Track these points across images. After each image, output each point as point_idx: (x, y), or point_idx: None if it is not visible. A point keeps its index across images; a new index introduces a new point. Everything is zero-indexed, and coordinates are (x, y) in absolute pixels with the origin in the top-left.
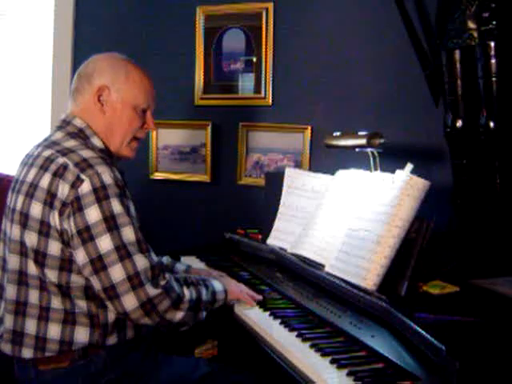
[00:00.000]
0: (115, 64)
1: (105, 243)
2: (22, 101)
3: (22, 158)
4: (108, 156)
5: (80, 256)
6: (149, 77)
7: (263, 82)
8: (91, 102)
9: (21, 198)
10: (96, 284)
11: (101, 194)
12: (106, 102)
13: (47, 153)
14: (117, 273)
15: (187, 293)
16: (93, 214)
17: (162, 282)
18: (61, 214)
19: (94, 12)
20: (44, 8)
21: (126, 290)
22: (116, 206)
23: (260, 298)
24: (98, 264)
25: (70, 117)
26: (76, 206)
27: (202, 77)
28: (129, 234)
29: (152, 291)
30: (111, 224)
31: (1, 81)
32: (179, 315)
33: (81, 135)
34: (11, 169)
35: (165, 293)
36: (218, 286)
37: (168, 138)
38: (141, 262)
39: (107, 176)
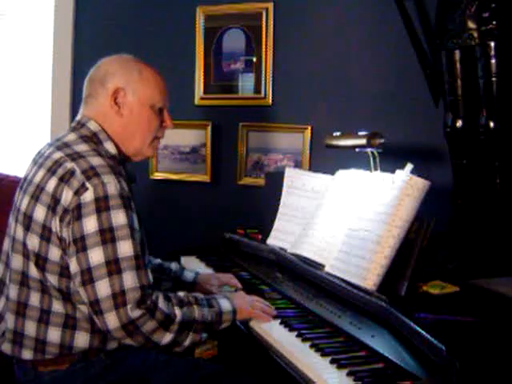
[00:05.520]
0: (127, 65)
1: (96, 256)
2: (22, 101)
3: (34, 155)
4: (119, 162)
5: (72, 265)
6: (161, 75)
7: (263, 82)
8: (107, 106)
9: (26, 199)
10: (83, 296)
11: (102, 205)
12: (123, 103)
13: (57, 155)
14: (103, 288)
15: (179, 313)
16: (90, 225)
17: (148, 302)
18: (61, 220)
19: (93, 12)
20: (44, 8)
21: (109, 307)
22: (116, 218)
23: (274, 313)
24: (86, 276)
25: (85, 119)
26: (76, 213)
27: (202, 77)
28: (126, 248)
29: (133, 313)
30: (107, 237)
31: (1, 81)
32: (168, 337)
33: (94, 139)
34: (11, 169)
35: (148, 314)
36: (225, 305)
37: (168, 138)
38: (130, 280)
39: (112, 187)
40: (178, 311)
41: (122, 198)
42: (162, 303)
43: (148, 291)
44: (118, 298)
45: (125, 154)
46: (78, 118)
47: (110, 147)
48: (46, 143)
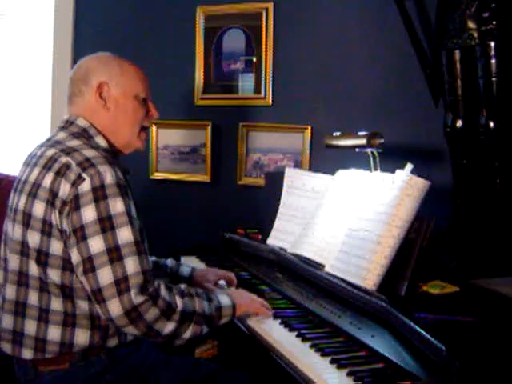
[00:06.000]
0: (106, 60)
1: (96, 244)
2: (22, 101)
3: (25, 157)
4: (112, 155)
5: (74, 256)
6: (140, 67)
7: (263, 82)
8: (93, 102)
9: (23, 198)
10: (86, 286)
11: (99, 194)
12: (108, 97)
13: (50, 152)
14: (105, 275)
15: (180, 303)
16: (88, 214)
17: (150, 289)
18: (61, 212)
19: (93, 12)
20: (44, 8)
21: (112, 294)
22: (114, 206)
23: (270, 313)
24: (88, 265)
25: (73, 117)
26: (74, 204)
27: (202, 77)
28: (126, 234)
29: (136, 298)
30: (106, 225)
31: (1, 81)
32: (170, 326)
33: (84, 135)
34: (11, 169)
35: (151, 301)
36: (224, 300)
37: (168, 137)
38: (132, 265)
39: (108, 176)
40: (179, 301)
41: (118, 186)
42: (163, 291)
43: (150, 277)
44: (121, 284)
45: (115, 146)
46: (66, 116)
47: (100, 141)
48: (37, 145)
